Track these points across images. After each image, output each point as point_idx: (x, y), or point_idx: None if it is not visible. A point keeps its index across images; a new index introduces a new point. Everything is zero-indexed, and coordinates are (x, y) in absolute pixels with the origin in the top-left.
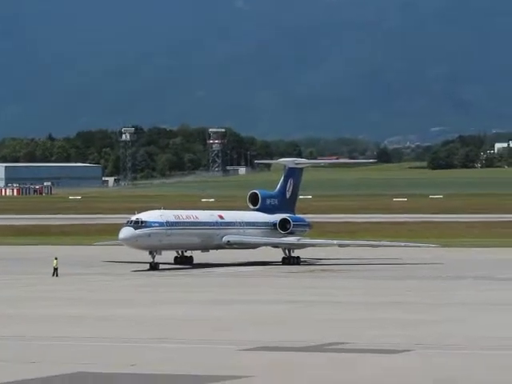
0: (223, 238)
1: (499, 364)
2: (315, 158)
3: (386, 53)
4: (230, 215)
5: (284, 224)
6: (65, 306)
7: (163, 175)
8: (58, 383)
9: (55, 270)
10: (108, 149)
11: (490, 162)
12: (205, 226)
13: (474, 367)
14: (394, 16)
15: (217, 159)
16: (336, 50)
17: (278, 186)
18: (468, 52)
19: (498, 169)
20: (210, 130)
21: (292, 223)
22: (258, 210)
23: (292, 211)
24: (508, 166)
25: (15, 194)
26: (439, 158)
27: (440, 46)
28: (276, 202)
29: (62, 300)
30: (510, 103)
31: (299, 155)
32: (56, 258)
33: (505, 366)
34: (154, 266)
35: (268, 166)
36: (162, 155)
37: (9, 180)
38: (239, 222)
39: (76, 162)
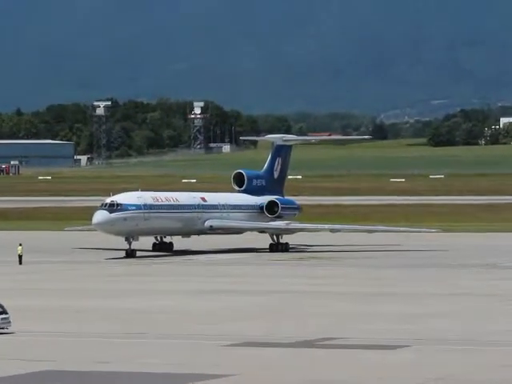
0: (206, 223)
1: (501, 361)
2: (305, 135)
3: (383, 17)
4: (213, 197)
5: (272, 207)
6: (28, 298)
7: (140, 153)
8: (25, 382)
9: (20, 257)
10: (80, 124)
11: (494, 139)
12: (186, 209)
13: (475, 364)
14: None
15: (199, 135)
16: (327, 13)
17: (266, 166)
18: (471, 16)
19: (504, 146)
20: (192, 103)
21: (280, 206)
22: (243, 191)
23: (280, 193)
24: None
25: None
26: (440, 134)
27: (440, 8)
28: (263, 183)
29: (25, 291)
30: None
31: (288, 131)
32: (20, 245)
33: (506, 364)
34: (130, 254)
35: (254, 143)
36: (139, 131)
37: None
38: (223, 205)
39: (46, 138)
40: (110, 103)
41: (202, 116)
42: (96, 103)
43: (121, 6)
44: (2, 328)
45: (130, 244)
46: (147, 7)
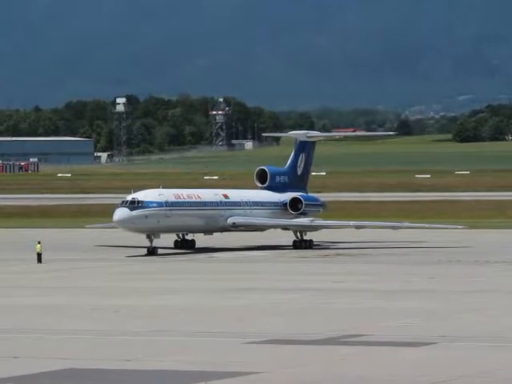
0: (228, 220)
1: None
2: (329, 131)
3: (408, 11)
4: (235, 194)
5: (295, 204)
6: (50, 296)
7: (161, 150)
8: (47, 381)
9: (39, 255)
10: (100, 121)
11: None
12: (208, 206)
13: (505, 361)
14: None
15: (220, 132)
16: (351, 7)
17: (289, 162)
18: (499, 10)
19: None
20: (214, 99)
21: (304, 203)
22: (266, 188)
23: (304, 189)
24: None
25: None
26: (466, 130)
27: (467, 3)
28: (286, 180)
29: (46, 289)
30: None
31: (311, 127)
32: (39, 243)
33: None
34: (151, 251)
35: (277, 139)
36: (160, 128)
37: None
38: (246, 202)
39: (65, 135)
40: (124, 100)
41: (224, 112)
42: (115, 99)
43: (142, 4)
44: None
45: (151, 241)
46: (168, 5)
